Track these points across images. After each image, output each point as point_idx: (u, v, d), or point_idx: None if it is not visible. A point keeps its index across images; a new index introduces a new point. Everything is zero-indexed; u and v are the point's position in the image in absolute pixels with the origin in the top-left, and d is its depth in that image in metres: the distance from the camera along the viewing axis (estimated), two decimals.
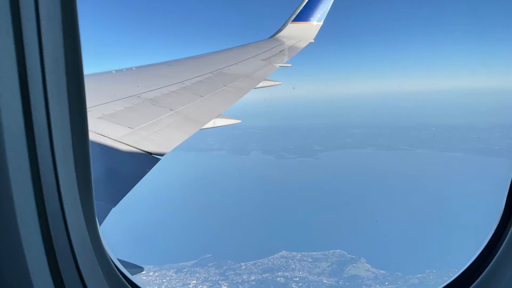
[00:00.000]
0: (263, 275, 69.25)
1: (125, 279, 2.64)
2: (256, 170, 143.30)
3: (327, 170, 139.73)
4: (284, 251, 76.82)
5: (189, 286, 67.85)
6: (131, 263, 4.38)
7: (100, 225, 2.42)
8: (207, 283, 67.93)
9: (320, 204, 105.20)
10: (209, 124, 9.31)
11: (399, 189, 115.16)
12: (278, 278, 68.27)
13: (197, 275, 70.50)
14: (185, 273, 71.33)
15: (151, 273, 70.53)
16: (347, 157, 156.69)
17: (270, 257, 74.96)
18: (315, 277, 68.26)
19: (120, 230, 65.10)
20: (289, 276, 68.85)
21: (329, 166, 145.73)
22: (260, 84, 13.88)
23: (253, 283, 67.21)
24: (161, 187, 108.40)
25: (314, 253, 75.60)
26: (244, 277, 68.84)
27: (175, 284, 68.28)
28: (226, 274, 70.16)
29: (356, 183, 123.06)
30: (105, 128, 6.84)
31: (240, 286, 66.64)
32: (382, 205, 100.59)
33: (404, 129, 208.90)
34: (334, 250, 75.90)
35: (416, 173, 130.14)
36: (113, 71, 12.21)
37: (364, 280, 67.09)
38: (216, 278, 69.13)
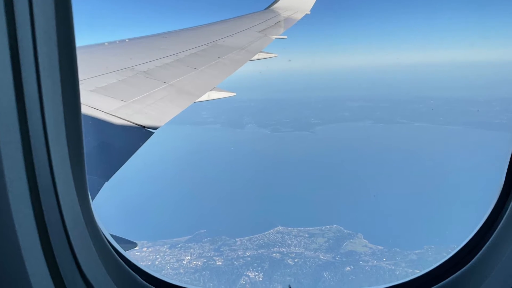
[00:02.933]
0: (259, 251, 69.62)
1: (118, 255, 2.64)
2: (251, 143, 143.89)
3: (323, 144, 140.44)
4: (280, 227, 77.12)
5: (183, 262, 68.17)
6: (124, 239, 4.40)
7: (92, 200, 2.41)
8: (202, 259, 68.12)
9: (316, 178, 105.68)
10: (204, 97, 9.32)
11: (397, 163, 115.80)
12: (274, 254, 68.57)
13: (191, 250, 70.83)
14: (179, 248, 71.67)
15: (144, 249, 70.86)
16: (344, 131, 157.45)
17: (266, 233, 75.25)
18: (312, 252, 68.52)
19: (113, 205, 65.27)
20: (285, 252, 69.17)
21: (326, 139, 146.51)
22: (256, 57, 13.86)
23: (248, 259, 67.39)
24: (155, 161, 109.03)
25: (311, 228, 75.76)
26: (239, 253, 69.17)
27: (169, 260, 68.62)
28: (221, 249, 70.50)
29: (353, 157, 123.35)
30: (98, 101, 6.82)
31: (235, 262, 66.80)
32: (380, 179, 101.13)
33: (402, 102, 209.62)
34: (331, 226, 76.03)
35: (415, 147, 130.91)
36: (106, 43, 12.18)
37: (362, 256, 67.12)
38: (210, 254, 69.37)
